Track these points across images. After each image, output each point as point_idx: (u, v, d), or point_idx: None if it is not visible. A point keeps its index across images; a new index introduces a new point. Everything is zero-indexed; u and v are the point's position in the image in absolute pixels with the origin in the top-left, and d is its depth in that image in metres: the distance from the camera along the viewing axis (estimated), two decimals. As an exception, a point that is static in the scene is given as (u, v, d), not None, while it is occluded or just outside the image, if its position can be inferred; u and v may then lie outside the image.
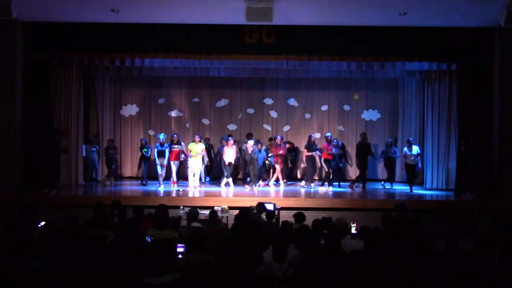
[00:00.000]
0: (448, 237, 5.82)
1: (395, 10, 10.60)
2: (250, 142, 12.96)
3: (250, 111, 15.59)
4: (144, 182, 13.24)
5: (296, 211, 7.86)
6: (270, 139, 14.41)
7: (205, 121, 15.57)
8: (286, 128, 15.54)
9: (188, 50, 11.92)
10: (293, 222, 7.56)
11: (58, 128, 11.91)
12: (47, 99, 12.15)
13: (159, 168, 12.68)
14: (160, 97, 15.56)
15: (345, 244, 5.70)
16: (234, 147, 12.93)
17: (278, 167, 13.12)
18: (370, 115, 15.54)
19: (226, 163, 12.71)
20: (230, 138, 13.02)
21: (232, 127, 15.56)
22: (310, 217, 7.77)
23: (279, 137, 13.26)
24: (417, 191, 12.50)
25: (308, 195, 11.90)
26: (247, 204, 9.27)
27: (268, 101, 15.58)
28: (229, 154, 12.72)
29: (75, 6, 10.58)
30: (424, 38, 11.76)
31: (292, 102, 15.56)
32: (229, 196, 11.56)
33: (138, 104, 15.56)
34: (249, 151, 12.77)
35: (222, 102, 15.60)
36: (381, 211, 8.08)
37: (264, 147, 13.55)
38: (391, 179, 13.25)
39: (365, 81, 15.23)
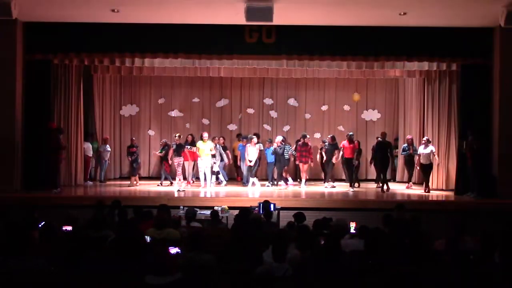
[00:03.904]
0: (448, 237, 5.82)
1: (395, 10, 10.59)
2: (279, 138, 13.08)
3: (250, 111, 15.59)
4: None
5: (296, 211, 7.86)
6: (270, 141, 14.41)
7: (205, 121, 15.58)
8: (286, 128, 15.54)
9: (188, 50, 11.92)
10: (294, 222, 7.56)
11: (54, 125, 11.87)
12: (47, 99, 12.14)
13: (177, 168, 12.68)
14: (160, 97, 15.57)
15: (345, 244, 5.70)
16: (257, 146, 12.99)
17: (302, 166, 13.06)
18: (370, 115, 15.56)
19: (248, 162, 12.87)
20: (254, 137, 13.11)
21: (232, 127, 15.57)
22: (310, 217, 7.77)
23: (307, 137, 13.14)
24: (416, 191, 12.51)
25: (308, 195, 11.90)
26: (247, 204, 9.28)
27: (268, 101, 15.59)
28: (252, 153, 12.82)
29: (75, 6, 10.57)
30: (424, 38, 11.76)
31: (292, 102, 15.56)
32: (230, 196, 11.59)
33: (138, 104, 15.57)
34: (275, 145, 12.91)
35: (222, 102, 15.60)
36: (381, 211, 8.07)
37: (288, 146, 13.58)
38: (411, 177, 13.19)
39: (365, 81, 15.24)
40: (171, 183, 13.29)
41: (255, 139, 13.04)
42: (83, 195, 11.82)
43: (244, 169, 13.39)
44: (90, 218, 6.61)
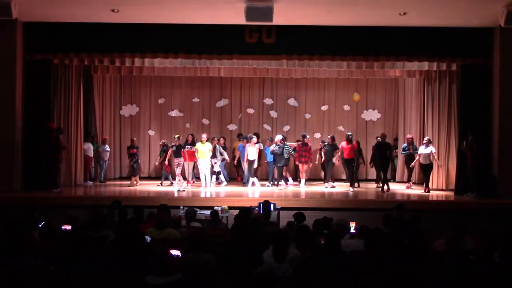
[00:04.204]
0: (448, 237, 5.82)
1: (395, 10, 10.59)
2: (279, 137, 13.04)
3: (250, 111, 15.59)
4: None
5: (296, 211, 7.86)
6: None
7: (205, 121, 15.59)
8: (286, 128, 15.54)
9: (188, 50, 11.91)
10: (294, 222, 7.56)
11: (54, 125, 11.88)
12: (47, 99, 12.13)
13: (177, 168, 12.72)
14: (160, 97, 15.57)
15: (345, 244, 5.70)
16: (257, 145, 13.03)
17: (302, 166, 13.08)
18: (370, 115, 15.56)
19: (246, 162, 12.90)
20: (254, 137, 13.14)
21: (232, 127, 15.57)
22: (310, 217, 7.77)
23: (307, 137, 13.16)
24: (416, 191, 12.51)
25: (308, 195, 11.90)
26: (247, 204, 9.28)
27: (268, 101, 15.59)
28: (252, 152, 12.87)
29: (75, 6, 10.58)
30: (424, 38, 11.75)
31: (292, 102, 15.56)
32: (231, 196, 11.59)
33: (138, 104, 15.58)
34: (273, 146, 12.84)
35: (222, 102, 15.61)
36: (381, 211, 8.08)
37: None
38: (410, 177, 13.21)
39: (365, 81, 15.25)
40: (171, 183, 13.29)
41: (254, 139, 13.07)
42: (83, 195, 11.82)
43: (244, 169, 13.40)
44: (90, 218, 6.61)
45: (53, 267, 4.63)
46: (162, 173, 13.73)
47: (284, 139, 13.14)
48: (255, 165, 13.07)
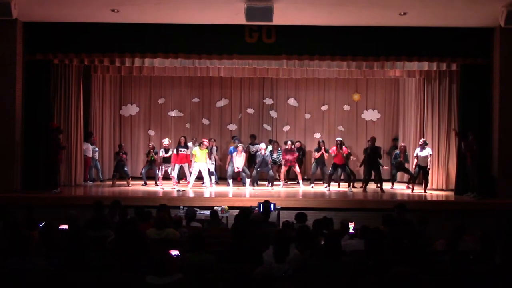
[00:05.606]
0: (448, 237, 5.82)
1: (395, 10, 10.60)
2: (262, 145, 13.12)
3: (250, 111, 15.59)
4: (143, 184, 13.41)
5: (296, 211, 7.86)
6: (270, 141, 14.45)
7: (205, 121, 15.59)
8: (286, 128, 15.54)
9: (188, 50, 11.90)
10: (294, 222, 7.56)
11: (55, 125, 11.87)
12: (47, 99, 12.13)
13: (169, 170, 12.71)
14: (160, 97, 15.57)
15: (345, 244, 5.70)
16: (244, 154, 13.05)
17: (297, 168, 13.09)
18: (370, 115, 15.56)
19: (235, 169, 12.95)
20: (240, 145, 13.11)
21: (232, 127, 15.58)
22: (310, 217, 7.77)
23: (289, 142, 13.13)
24: (416, 191, 12.50)
25: (308, 195, 11.90)
26: (247, 204, 9.28)
27: (268, 101, 15.59)
28: (239, 161, 12.89)
29: (75, 6, 10.58)
30: (424, 38, 11.75)
31: (292, 102, 15.56)
32: (229, 196, 11.59)
33: (138, 104, 15.58)
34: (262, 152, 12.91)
35: (222, 102, 15.61)
36: (381, 211, 8.08)
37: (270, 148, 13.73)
38: (410, 179, 13.15)
39: (365, 81, 15.25)
40: (145, 184, 13.34)
41: (240, 147, 13.01)
42: (83, 195, 11.82)
43: (227, 169, 13.29)
44: (90, 218, 6.61)
45: (53, 267, 4.63)
46: (142, 173, 13.67)
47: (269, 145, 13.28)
48: (240, 168, 12.99)
